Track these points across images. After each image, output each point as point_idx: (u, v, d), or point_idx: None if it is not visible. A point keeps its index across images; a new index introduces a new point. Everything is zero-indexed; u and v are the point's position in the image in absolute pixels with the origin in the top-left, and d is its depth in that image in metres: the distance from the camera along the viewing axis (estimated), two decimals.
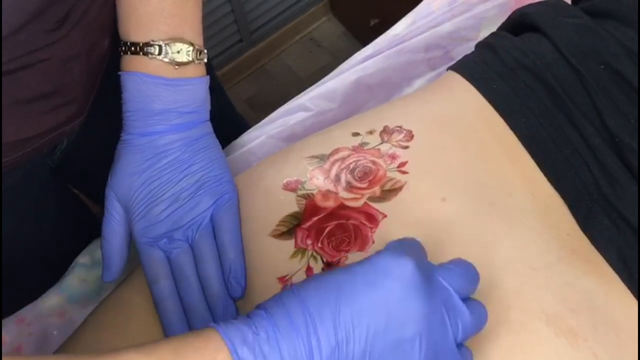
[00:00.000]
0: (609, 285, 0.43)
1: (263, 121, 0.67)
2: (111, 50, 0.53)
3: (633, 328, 0.41)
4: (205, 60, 0.49)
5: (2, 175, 0.48)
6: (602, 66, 0.47)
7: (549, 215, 0.45)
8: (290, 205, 0.45)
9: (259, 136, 0.65)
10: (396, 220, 0.43)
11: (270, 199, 0.46)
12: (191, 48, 0.47)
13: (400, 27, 0.70)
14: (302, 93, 0.68)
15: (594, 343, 0.39)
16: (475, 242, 0.42)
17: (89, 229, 0.71)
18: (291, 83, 1.54)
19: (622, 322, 0.41)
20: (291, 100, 0.67)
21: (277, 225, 0.44)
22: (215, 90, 0.74)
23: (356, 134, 0.49)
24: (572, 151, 0.46)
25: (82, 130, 0.55)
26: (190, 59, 0.47)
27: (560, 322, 0.39)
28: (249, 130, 0.67)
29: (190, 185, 0.47)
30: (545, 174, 0.46)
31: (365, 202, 0.44)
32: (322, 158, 0.47)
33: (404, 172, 0.45)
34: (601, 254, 0.44)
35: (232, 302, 0.45)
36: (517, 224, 0.44)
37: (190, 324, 0.44)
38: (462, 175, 0.45)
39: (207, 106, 0.50)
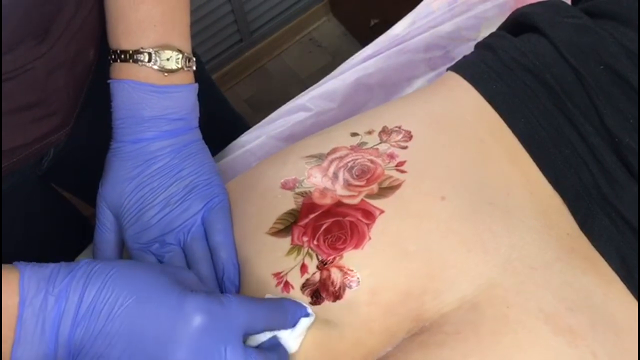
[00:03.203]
0: (608, 285, 0.43)
1: (263, 121, 0.67)
2: (97, 60, 0.54)
3: (632, 327, 0.41)
4: (194, 67, 0.50)
5: None
6: (602, 66, 0.47)
7: (548, 214, 0.45)
8: (288, 203, 0.45)
9: (259, 136, 0.65)
10: (394, 216, 0.43)
11: (268, 198, 0.46)
12: (180, 55, 0.47)
13: (400, 27, 0.70)
14: (302, 93, 0.68)
15: (592, 342, 0.39)
16: (474, 240, 0.42)
17: (82, 233, 0.71)
18: (291, 83, 1.55)
19: (621, 321, 0.41)
20: (291, 101, 0.67)
21: (275, 223, 0.44)
22: (210, 89, 0.74)
23: (355, 134, 0.49)
24: (572, 151, 0.46)
25: (71, 140, 0.55)
26: (180, 66, 0.47)
27: (559, 321, 0.39)
28: (249, 130, 0.67)
29: (181, 190, 0.47)
30: (545, 174, 0.46)
31: (362, 199, 0.44)
32: (320, 157, 0.47)
33: (403, 172, 0.45)
34: (600, 253, 0.44)
35: None
36: (516, 223, 0.44)
37: None
38: (461, 175, 0.45)
39: (196, 113, 0.50)
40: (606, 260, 0.43)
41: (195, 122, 0.50)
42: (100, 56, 0.54)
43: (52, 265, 0.36)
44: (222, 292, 0.44)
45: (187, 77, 0.49)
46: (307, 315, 0.41)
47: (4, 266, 0.35)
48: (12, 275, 0.34)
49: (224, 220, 0.47)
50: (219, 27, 1.39)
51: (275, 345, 0.40)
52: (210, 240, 0.46)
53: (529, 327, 0.39)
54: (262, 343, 0.40)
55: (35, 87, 0.46)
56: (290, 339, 0.40)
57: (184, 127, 0.48)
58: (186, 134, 0.49)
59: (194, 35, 1.33)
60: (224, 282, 0.45)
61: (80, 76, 0.52)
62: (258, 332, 0.39)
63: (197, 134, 0.50)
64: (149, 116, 0.47)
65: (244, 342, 0.39)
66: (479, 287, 0.41)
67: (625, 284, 0.43)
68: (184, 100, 0.48)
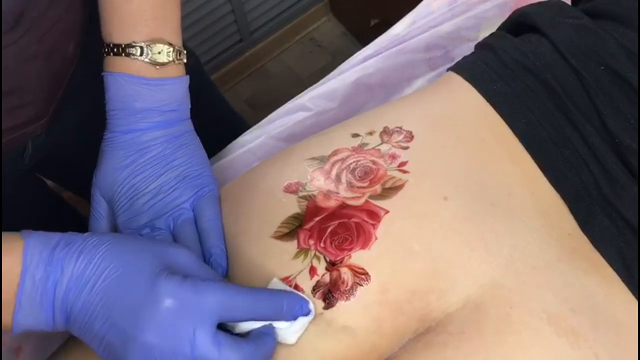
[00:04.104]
0: (610, 285, 0.43)
1: (263, 121, 0.67)
2: (78, 56, 0.54)
3: (633, 328, 0.41)
4: (185, 60, 0.51)
5: None
6: (602, 67, 0.47)
7: (550, 215, 0.45)
8: (292, 207, 0.45)
9: (259, 136, 0.65)
10: (398, 215, 0.43)
11: (272, 201, 0.46)
12: (171, 49, 0.49)
13: (400, 27, 0.70)
14: (302, 93, 0.68)
15: (594, 343, 0.39)
16: (476, 241, 0.42)
17: (78, 229, 0.72)
18: (291, 83, 1.54)
19: (623, 321, 0.41)
20: (291, 100, 0.67)
21: (279, 227, 0.44)
22: (209, 89, 0.74)
23: (356, 135, 0.49)
24: (572, 151, 0.46)
25: (56, 137, 0.55)
26: (171, 59, 0.48)
27: (562, 322, 0.39)
28: (249, 130, 0.67)
29: (172, 179, 0.48)
30: (545, 174, 0.46)
31: (366, 200, 0.44)
32: (322, 159, 0.47)
33: (405, 172, 0.45)
34: (601, 254, 0.44)
35: None
36: (517, 223, 0.44)
37: None
38: (463, 176, 0.45)
39: (188, 105, 0.51)
40: (607, 261, 0.43)
41: (187, 114, 0.51)
42: (85, 54, 0.54)
43: (55, 236, 0.38)
44: None
45: (178, 70, 0.50)
46: (307, 312, 0.40)
47: (10, 234, 0.38)
48: (17, 244, 0.37)
49: (213, 208, 0.48)
50: (219, 27, 1.39)
51: (261, 335, 0.40)
52: (199, 227, 0.48)
53: (533, 328, 0.39)
54: (252, 331, 0.40)
55: (6, 76, 0.46)
56: (288, 332, 0.40)
57: (176, 118, 0.49)
58: (178, 124, 0.50)
59: (194, 35, 1.33)
60: (211, 263, 0.46)
61: (58, 69, 0.52)
62: (241, 320, 0.40)
63: (189, 125, 0.51)
64: (141, 108, 0.48)
65: (228, 328, 0.40)
66: (483, 287, 0.41)
67: (626, 284, 0.43)
68: (176, 92, 0.49)
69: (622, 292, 0.43)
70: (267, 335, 0.40)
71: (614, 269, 0.43)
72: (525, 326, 0.39)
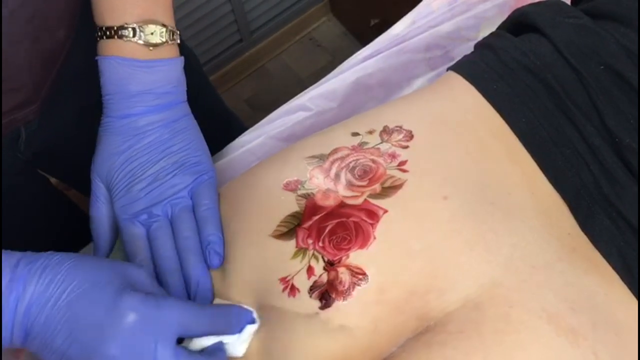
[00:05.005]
0: (609, 285, 0.43)
1: (263, 121, 0.67)
2: (71, 42, 0.54)
3: (633, 327, 0.41)
4: (178, 41, 0.50)
5: None
6: (602, 67, 0.47)
7: (550, 214, 0.45)
8: (291, 205, 0.45)
9: (258, 136, 0.65)
10: (398, 215, 0.43)
11: (271, 200, 0.46)
12: (164, 29, 0.48)
13: (400, 27, 0.70)
14: (302, 93, 0.68)
15: (594, 342, 0.39)
16: (476, 240, 0.42)
17: (79, 225, 0.72)
18: (291, 83, 1.54)
19: (623, 321, 0.41)
20: (291, 100, 0.67)
21: (278, 226, 0.44)
22: (205, 88, 0.74)
23: (356, 134, 0.49)
24: (572, 151, 0.46)
25: (52, 127, 0.55)
26: (164, 40, 0.48)
27: (561, 321, 0.39)
28: (248, 130, 0.67)
29: (170, 165, 0.48)
30: (545, 174, 0.46)
31: (365, 200, 0.44)
32: (322, 158, 0.47)
33: (404, 171, 0.45)
34: (601, 253, 0.44)
35: (208, 275, 0.46)
36: (517, 223, 0.44)
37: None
38: (463, 175, 0.45)
39: (183, 87, 0.51)
40: (607, 261, 0.43)
41: (183, 96, 0.51)
42: (82, 46, 0.54)
43: (18, 253, 0.38)
44: (206, 262, 0.46)
45: (172, 51, 0.50)
46: (252, 321, 0.43)
47: None
48: None
49: (211, 195, 0.48)
50: (219, 27, 1.39)
51: (215, 351, 0.41)
52: (197, 214, 0.48)
53: (532, 327, 0.39)
54: (206, 347, 0.41)
55: None
56: (237, 344, 0.42)
57: (172, 100, 0.49)
58: (174, 107, 0.49)
59: (194, 35, 1.33)
60: (208, 252, 0.46)
61: (49, 54, 0.52)
62: (198, 336, 0.41)
63: (186, 108, 0.51)
64: (136, 91, 0.48)
65: (183, 343, 0.41)
66: (482, 286, 0.41)
67: (626, 284, 0.43)
68: (170, 74, 0.49)
69: (622, 292, 0.43)
70: (219, 351, 0.41)
71: (614, 269, 0.43)
72: (524, 325, 0.39)
